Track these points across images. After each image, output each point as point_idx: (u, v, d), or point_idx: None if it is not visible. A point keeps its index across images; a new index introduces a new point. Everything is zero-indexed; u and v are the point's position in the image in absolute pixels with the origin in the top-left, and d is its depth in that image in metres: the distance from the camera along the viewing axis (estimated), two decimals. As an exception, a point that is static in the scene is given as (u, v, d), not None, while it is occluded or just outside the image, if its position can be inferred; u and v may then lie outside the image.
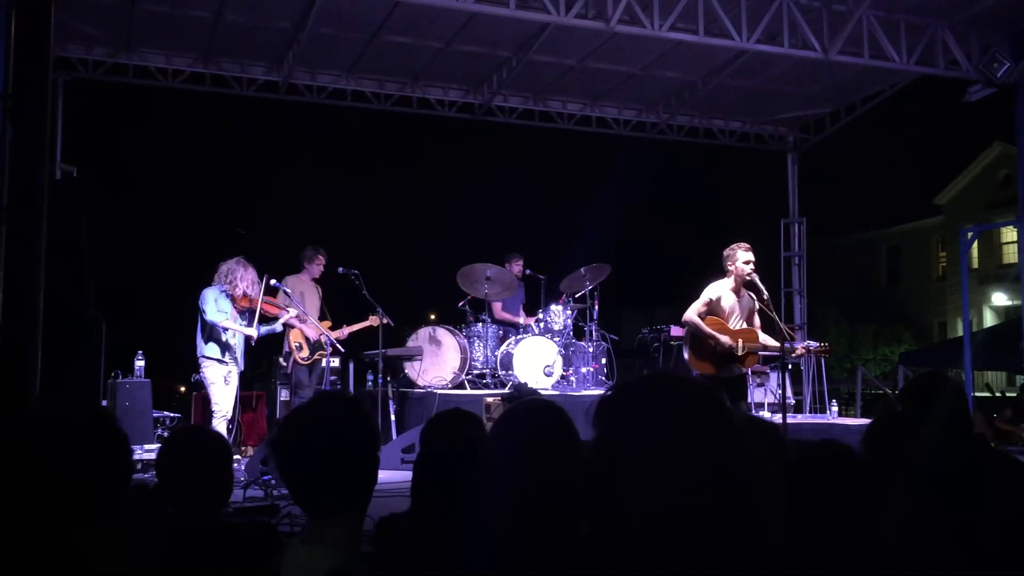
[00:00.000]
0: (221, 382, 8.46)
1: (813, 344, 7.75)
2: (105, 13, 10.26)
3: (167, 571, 2.62)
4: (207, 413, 8.88)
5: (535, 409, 2.15)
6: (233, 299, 8.45)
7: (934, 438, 2.48)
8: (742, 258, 7.20)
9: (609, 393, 1.27)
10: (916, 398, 3.30)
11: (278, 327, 8.87)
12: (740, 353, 7.16)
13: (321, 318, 9.49)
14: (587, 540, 1.18)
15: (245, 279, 8.46)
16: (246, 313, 8.52)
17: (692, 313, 7.29)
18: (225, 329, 8.39)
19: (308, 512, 2.18)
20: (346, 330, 9.48)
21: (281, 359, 9.67)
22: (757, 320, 7.36)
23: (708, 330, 7.18)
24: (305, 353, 9.26)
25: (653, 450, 1.13)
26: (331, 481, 2.08)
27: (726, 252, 7.32)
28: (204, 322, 8.45)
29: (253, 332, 8.49)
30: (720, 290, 7.31)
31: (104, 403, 8.84)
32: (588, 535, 1.18)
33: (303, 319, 9.03)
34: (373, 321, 9.43)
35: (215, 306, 8.40)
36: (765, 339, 7.28)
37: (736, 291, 7.32)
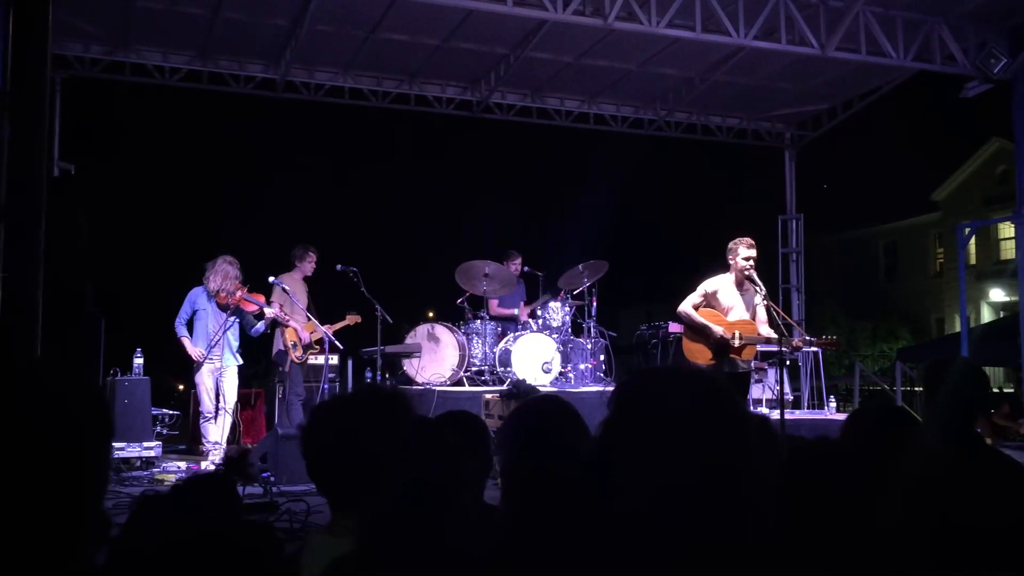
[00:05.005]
0: (207, 381, 8.52)
1: (813, 338, 7.68)
2: (102, 10, 10.25)
3: (165, 571, 2.62)
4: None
5: (545, 401, 2.18)
6: (214, 296, 8.53)
7: (927, 431, 2.50)
8: (743, 254, 7.15)
9: (627, 378, 1.31)
10: (934, 381, 3.35)
11: (262, 326, 8.84)
12: (736, 344, 7.10)
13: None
14: (590, 519, 1.21)
15: (217, 276, 8.48)
16: (227, 310, 8.55)
17: (686, 304, 7.26)
18: (181, 340, 8.51)
19: (331, 503, 2.21)
20: (329, 329, 9.46)
21: (273, 358, 9.66)
22: (762, 314, 7.24)
23: (700, 320, 7.14)
24: (300, 352, 9.25)
25: (659, 433, 1.16)
26: (353, 475, 2.10)
27: (730, 245, 7.26)
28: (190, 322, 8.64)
29: (196, 351, 8.53)
30: (718, 284, 7.27)
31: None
32: (592, 514, 1.20)
33: (285, 320, 9.00)
34: (350, 320, 9.49)
35: (188, 310, 8.61)
36: (766, 331, 7.19)
37: (739, 285, 7.24)
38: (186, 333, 8.53)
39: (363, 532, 1.82)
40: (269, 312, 8.77)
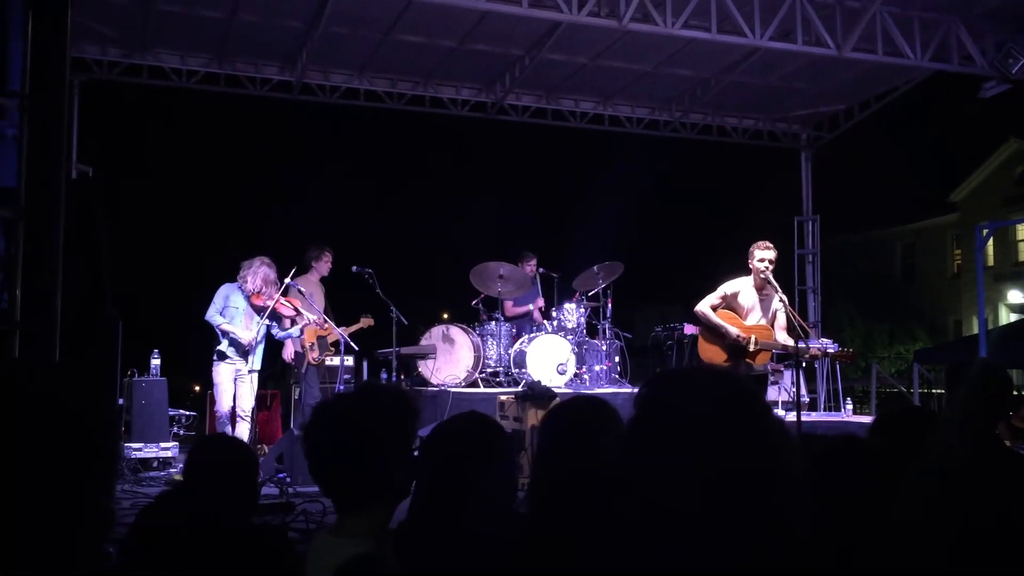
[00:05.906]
0: (225, 382, 8.40)
1: (831, 346, 7.55)
2: (120, 14, 10.32)
3: (178, 570, 2.63)
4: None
5: (587, 400, 2.24)
6: (250, 296, 8.45)
7: (946, 431, 2.49)
8: (758, 255, 7.11)
9: (651, 379, 1.31)
10: (954, 382, 3.35)
11: (296, 331, 8.82)
12: (752, 348, 7.06)
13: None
14: (610, 520, 1.21)
15: (257, 276, 8.42)
16: (262, 312, 8.49)
17: (703, 304, 7.23)
18: (221, 329, 8.37)
19: (336, 504, 2.21)
20: (344, 331, 9.43)
21: (287, 358, 9.64)
22: (782, 320, 7.17)
23: (716, 320, 7.11)
24: (317, 353, 9.25)
25: (684, 435, 1.17)
26: (357, 474, 2.10)
27: (750, 249, 7.24)
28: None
29: (248, 335, 8.40)
30: (739, 286, 7.23)
31: (120, 401, 8.90)
32: (612, 514, 1.21)
33: (320, 323, 9.00)
34: (364, 323, 9.50)
35: (220, 303, 8.40)
36: (783, 339, 7.12)
37: (759, 288, 7.20)
38: (224, 321, 8.38)
39: (391, 533, 1.83)
40: (311, 317, 8.71)
